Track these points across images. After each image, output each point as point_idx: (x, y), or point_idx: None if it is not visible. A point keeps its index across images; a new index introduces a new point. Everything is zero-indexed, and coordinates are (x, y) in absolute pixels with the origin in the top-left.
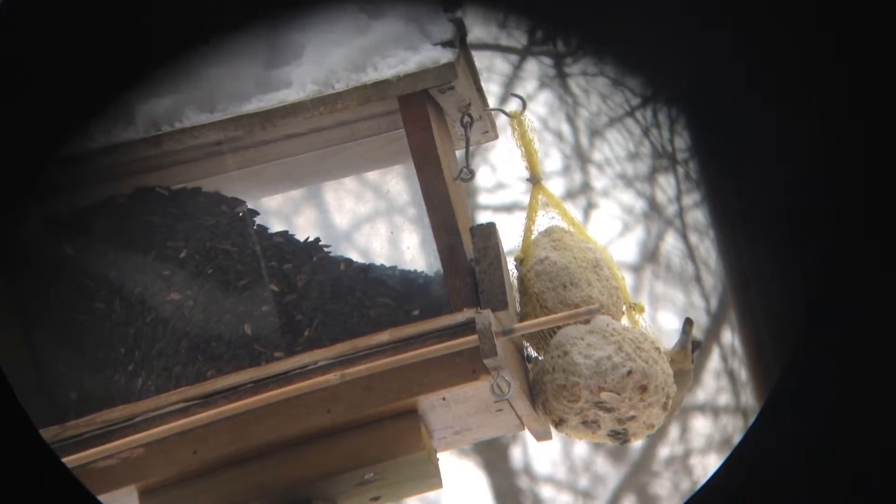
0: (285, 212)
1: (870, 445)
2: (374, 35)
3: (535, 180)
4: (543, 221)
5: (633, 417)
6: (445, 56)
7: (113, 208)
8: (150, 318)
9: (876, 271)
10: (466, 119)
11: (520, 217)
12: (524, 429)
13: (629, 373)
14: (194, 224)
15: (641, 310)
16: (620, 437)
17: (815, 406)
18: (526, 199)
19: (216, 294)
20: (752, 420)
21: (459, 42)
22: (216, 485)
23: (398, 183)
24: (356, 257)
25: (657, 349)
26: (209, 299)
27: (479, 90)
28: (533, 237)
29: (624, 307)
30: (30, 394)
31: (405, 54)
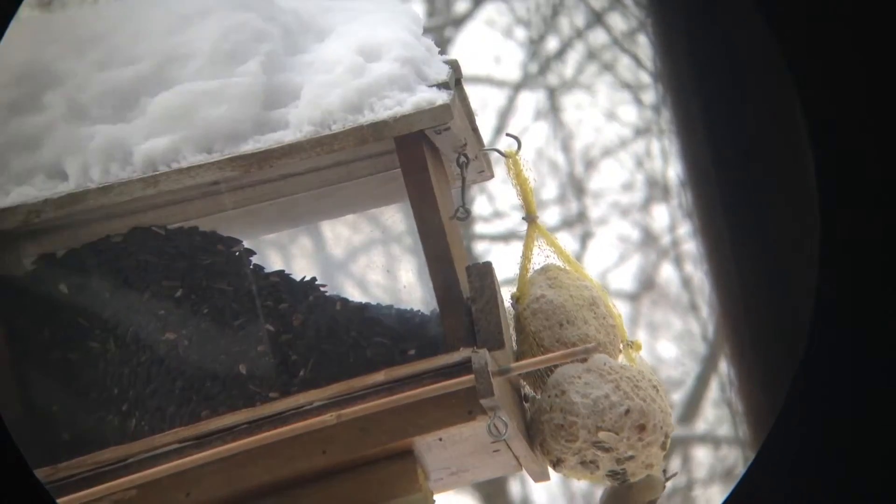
0: (281, 248)
1: (868, 478)
2: (370, 77)
3: (530, 219)
4: (539, 259)
5: (631, 457)
6: (441, 97)
7: (108, 247)
8: (144, 357)
9: (871, 300)
10: (462, 159)
11: (516, 247)
12: (521, 469)
13: (627, 412)
14: (190, 263)
15: (638, 347)
16: (619, 477)
17: (814, 437)
18: (523, 229)
19: (211, 334)
20: (749, 451)
21: (455, 83)
22: None
23: (394, 222)
24: (352, 295)
25: (654, 387)
26: (204, 339)
27: (475, 130)
28: (529, 275)
29: (621, 345)
30: (21, 434)
31: (401, 96)
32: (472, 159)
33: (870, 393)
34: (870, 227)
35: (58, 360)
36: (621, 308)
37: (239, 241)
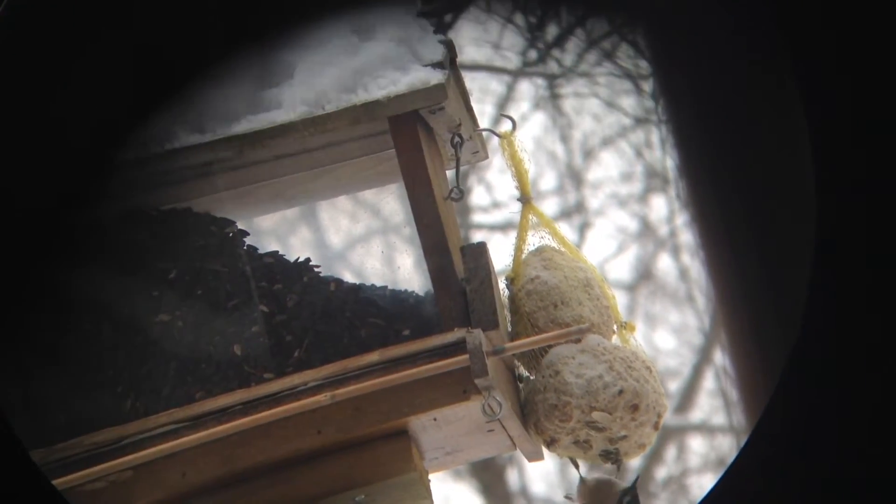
0: (277, 232)
1: (857, 467)
2: (364, 56)
3: (525, 200)
4: (534, 241)
5: (624, 437)
6: (435, 77)
7: (102, 229)
8: (139, 339)
9: (861, 291)
10: (456, 139)
11: (514, 236)
12: (516, 449)
13: (620, 392)
14: (184, 245)
15: (632, 328)
16: (612, 456)
17: (804, 426)
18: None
19: (205, 315)
20: (743, 440)
21: (449, 63)
22: None
23: (389, 203)
24: (348, 277)
25: (648, 368)
26: (198, 320)
27: (470, 110)
28: (523, 256)
29: (615, 326)
30: (18, 415)
31: (395, 75)
32: (467, 139)
33: (858, 380)
34: (864, 219)
35: (53, 342)
36: (619, 299)
37: (233, 222)
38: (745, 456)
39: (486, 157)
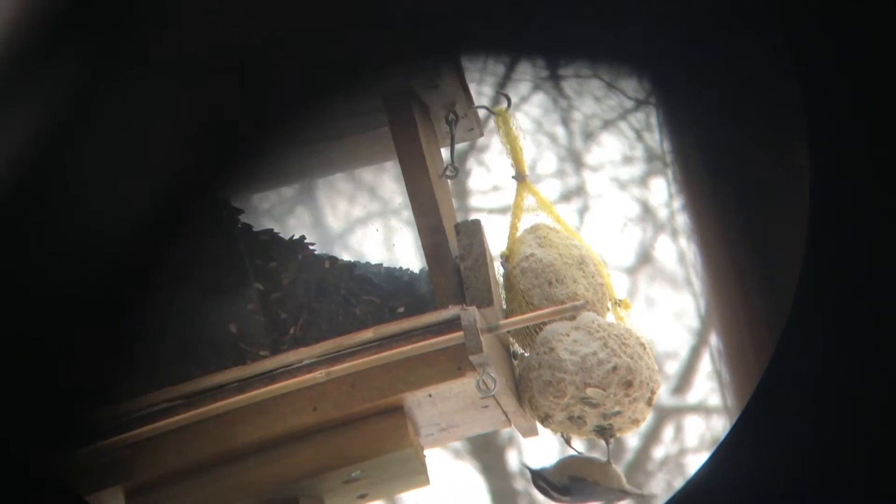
0: (272, 210)
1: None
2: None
3: (520, 178)
4: (530, 219)
5: (618, 413)
6: None
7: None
8: (133, 318)
9: (853, 278)
10: (451, 117)
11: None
12: (510, 425)
13: (614, 368)
14: (179, 223)
15: (626, 306)
16: (606, 432)
17: (794, 407)
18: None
19: (201, 293)
20: (734, 421)
21: None
22: (203, 484)
23: (384, 180)
24: (343, 255)
25: (642, 345)
26: (194, 298)
27: (465, 88)
28: (518, 234)
29: (609, 303)
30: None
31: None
32: (462, 117)
33: (850, 361)
34: (857, 206)
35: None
36: (619, 282)
37: (227, 200)
38: (736, 435)
39: (482, 134)
